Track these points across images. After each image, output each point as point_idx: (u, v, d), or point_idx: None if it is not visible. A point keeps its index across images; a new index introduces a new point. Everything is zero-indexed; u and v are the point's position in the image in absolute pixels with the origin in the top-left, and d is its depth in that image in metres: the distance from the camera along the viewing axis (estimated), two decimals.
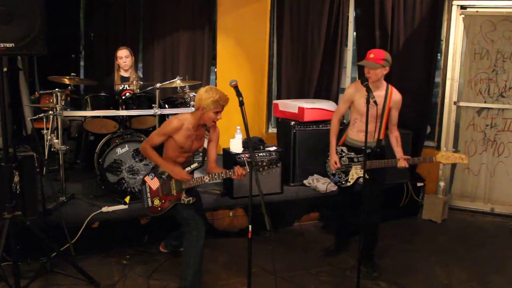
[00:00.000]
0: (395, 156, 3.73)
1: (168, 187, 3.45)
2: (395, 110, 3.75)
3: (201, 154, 3.61)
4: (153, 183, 3.49)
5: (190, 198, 3.44)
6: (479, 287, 3.73)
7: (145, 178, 3.53)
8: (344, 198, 4.05)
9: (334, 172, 3.88)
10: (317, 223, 4.87)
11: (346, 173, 3.84)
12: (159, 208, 3.47)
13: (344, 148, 3.87)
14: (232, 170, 3.32)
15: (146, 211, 3.55)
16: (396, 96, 3.74)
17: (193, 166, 3.47)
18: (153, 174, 3.51)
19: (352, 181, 3.82)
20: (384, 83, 3.73)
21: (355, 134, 3.79)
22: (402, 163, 3.64)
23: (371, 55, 3.62)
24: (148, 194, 3.50)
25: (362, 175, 3.70)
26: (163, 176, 3.48)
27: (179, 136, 3.38)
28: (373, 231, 3.81)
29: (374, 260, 3.87)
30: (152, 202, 3.48)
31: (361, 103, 3.64)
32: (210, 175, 3.40)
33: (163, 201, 3.47)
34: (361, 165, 3.74)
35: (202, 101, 3.30)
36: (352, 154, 3.83)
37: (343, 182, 3.85)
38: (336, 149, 3.86)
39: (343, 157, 3.86)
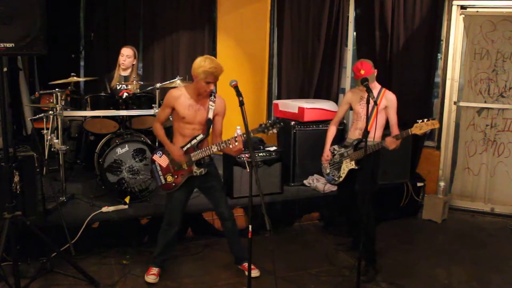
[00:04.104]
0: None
1: (177, 162, 3.48)
2: (391, 110, 3.82)
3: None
4: (162, 160, 3.52)
5: (202, 169, 3.48)
6: (479, 287, 3.73)
7: (153, 157, 3.56)
8: (342, 194, 4.12)
9: (328, 171, 4.05)
10: (317, 223, 4.88)
11: (338, 170, 3.97)
12: (173, 184, 3.50)
13: (336, 146, 4.05)
14: (231, 140, 3.33)
15: (161, 189, 3.60)
16: (388, 95, 3.83)
17: (198, 138, 3.47)
18: (160, 152, 3.55)
19: (343, 175, 3.94)
20: (377, 85, 3.86)
21: (352, 133, 3.96)
22: (388, 141, 3.65)
23: (362, 72, 3.71)
24: (160, 172, 3.52)
25: (352, 167, 3.86)
26: None
27: (180, 106, 3.40)
28: (368, 233, 3.70)
29: (372, 264, 3.81)
30: (165, 179, 3.51)
31: (357, 104, 3.90)
32: (217, 144, 3.40)
33: (176, 176, 3.49)
34: (349, 158, 3.88)
35: (195, 70, 3.35)
36: (342, 150, 3.97)
37: (336, 179, 4.01)
38: (329, 148, 4.09)
39: (335, 154, 4.02)
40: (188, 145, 3.46)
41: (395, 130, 3.81)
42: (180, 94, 3.42)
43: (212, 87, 3.37)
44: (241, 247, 3.72)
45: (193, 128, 3.47)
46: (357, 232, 4.14)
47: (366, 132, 3.48)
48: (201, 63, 3.32)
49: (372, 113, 3.70)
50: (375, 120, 3.66)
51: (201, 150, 3.45)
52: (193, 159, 3.46)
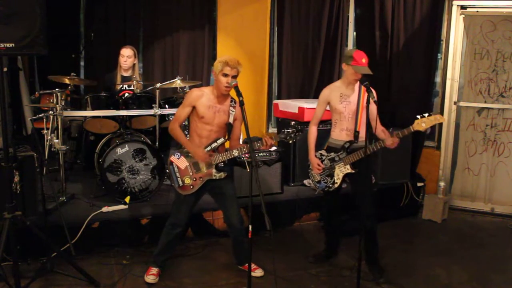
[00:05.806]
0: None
1: (197, 165, 3.46)
2: (373, 105, 3.44)
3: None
4: (181, 162, 3.48)
5: (222, 173, 3.46)
6: (479, 287, 3.73)
7: (171, 158, 3.51)
8: (329, 202, 3.93)
9: (319, 179, 3.81)
10: (317, 223, 4.87)
11: (331, 176, 3.75)
12: (191, 186, 3.47)
13: (323, 151, 3.80)
14: (260, 140, 3.33)
15: (178, 190, 3.51)
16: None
17: (219, 141, 3.46)
18: (179, 154, 3.50)
19: (339, 181, 3.72)
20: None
21: (338, 134, 3.72)
22: (390, 140, 3.45)
23: (363, 60, 3.53)
24: (178, 174, 3.48)
25: (347, 171, 3.63)
26: (190, 155, 3.48)
27: (200, 105, 3.39)
28: (372, 236, 3.73)
29: (379, 265, 3.81)
30: (183, 181, 3.47)
31: (337, 102, 3.68)
32: (239, 149, 3.38)
33: (194, 179, 3.46)
34: (343, 162, 3.67)
35: (214, 67, 3.38)
36: (332, 154, 3.74)
37: (330, 186, 3.76)
38: (315, 154, 3.81)
39: (323, 160, 3.78)
40: (209, 148, 3.44)
41: (378, 125, 3.48)
42: (201, 94, 3.43)
43: (230, 80, 3.29)
44: (245, 252, 3.69)
45: (211, 129, 3.45)
46: (334, 240, 4.07)
47: (355, 133, 3.45)
48: (219, 59, 3.40)
49: (358, 113, 3.58)
50: (360, 119, 3.57)
51: (222, 154, 3.44)
52: (213, 162, 3.44)
